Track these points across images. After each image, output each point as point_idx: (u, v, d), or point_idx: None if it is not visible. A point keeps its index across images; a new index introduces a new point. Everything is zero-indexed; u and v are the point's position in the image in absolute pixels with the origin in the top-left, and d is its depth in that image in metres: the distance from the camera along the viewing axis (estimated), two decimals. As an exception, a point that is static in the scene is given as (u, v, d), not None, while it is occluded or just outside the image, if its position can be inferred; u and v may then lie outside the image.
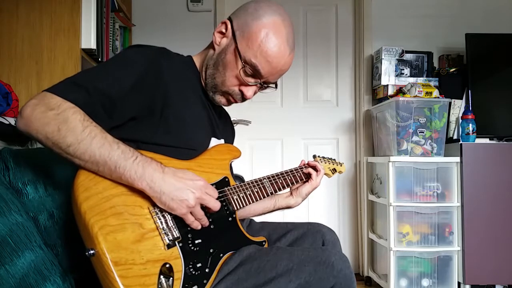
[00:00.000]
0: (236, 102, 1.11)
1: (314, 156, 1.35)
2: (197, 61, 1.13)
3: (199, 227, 0.92)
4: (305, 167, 1.27)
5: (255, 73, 1.04)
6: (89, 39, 1.75)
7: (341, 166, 1.42)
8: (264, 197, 1.13)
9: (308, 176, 1.26)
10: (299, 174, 1.25)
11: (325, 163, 1.36)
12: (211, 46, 1.09)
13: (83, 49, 1.75)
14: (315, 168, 1.26)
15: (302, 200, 1.27)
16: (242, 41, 1.02)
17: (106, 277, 0.77)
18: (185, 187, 0.87)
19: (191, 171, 0.92)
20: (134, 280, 0.79)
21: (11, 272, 0.83)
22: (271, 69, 1.03)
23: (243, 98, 1.09)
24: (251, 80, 1.05)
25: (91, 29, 1.75)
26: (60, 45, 1.72)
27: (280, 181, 1.19)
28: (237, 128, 2.67)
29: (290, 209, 1.29)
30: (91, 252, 0.78)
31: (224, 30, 1.05)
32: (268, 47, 1.00)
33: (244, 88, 1.06)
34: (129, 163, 0.83)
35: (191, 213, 0.89)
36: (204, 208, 0.92)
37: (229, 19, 1.06)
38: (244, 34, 1.02)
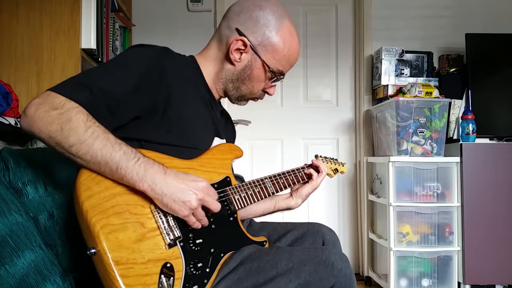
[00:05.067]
0: (258, 100, 1.20)
1: (316, 156, 1.35)
2: (200, 61, 1.12)
3: (200, 227, 0.92)
4: (307, 167, 1.27)
5: (280, 76, 1.12)
6: (89, 39, 1.75)
7: (343, 166, 1.41)
8: (265, 197, 1.13)
9: (309, 177, 1.26)
10: (300, 174, 1.24)
11: (327, 163, 1.35)
12: (227, 60, 1.09)
13: (83, 49, 1.75)
14: (317, 169, 1.26)
15: (302, 201, 1.27)
16: (267, 55, 1.07)
17: (107, 276, 0.78)
18: (187, 188, 0.87)
19: (193, 172, 0.92)
20: (135, 279, 0.79)
21: (11, 272, 0.83)
22: (291, 66, 1.14)
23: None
24: (275, 82, 1.15)
25: (91, 29, 1.75)
26: (60, 45, 1.72)
27: (282, 181, 1.19)
28: (237, 128, 2.67)
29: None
30: (93, 251, 0.78)
31: (242, 47, 1.06)
32: (291, 53, 1.09)
33: (269, 90, 1.16)
34: (131, 165, 0.83)
35: (192, 214, 0.89)
36: (205, 208, 0.92)
37: (240, 33, 1.05)
38: (267, 49, 1.06)
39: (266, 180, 1.15)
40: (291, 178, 1.22)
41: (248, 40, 1.05)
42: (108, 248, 0.78)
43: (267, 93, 1.16)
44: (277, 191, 1.17)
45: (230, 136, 1.27)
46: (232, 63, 1.08)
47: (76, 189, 0.81)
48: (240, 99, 1.16)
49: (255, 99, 1.18)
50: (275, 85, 1.15)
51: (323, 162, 1.33)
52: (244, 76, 1.09)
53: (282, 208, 1.28)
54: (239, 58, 1.07)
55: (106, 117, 0.87)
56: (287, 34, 1.07)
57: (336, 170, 1.38)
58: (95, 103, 0.85)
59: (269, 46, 1.06)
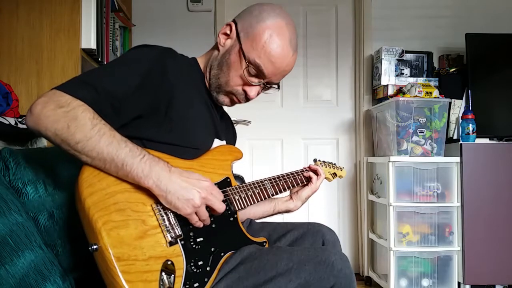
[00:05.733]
0: (239, 102, 1.12)
1: (315, 160, 1.36)
2: (201, 62, 1.14)
3: (202, 226, 0.92)
4: (306, 170, 1.27)
5: (258, 73, 1.05)
6: (89, 39, 1.75)
7: (341, 170, 1.42)
8: (265, 198, 1.13)
9: (309, 180, 1.26)
10: (300, 177, 1.25)
11: (326, 167, 1.36)
12: (215, 47, 1.11)
13: (83, 49, 1.75)
14: (316, 172, 1.27)
15: (302, 204, 1.28)
16: (247, 42, 1.04)
17: (109, 272, 0.78)
18: (191, 186, 0.87)
19: (196, 171, 0.92)
20: (136, 275, 0.80)
21: (11, 272, 0.82)
22: (274, 69, 1.05)
23: (247, 98, 1.10)
24: (254, 80, 1.07)
25: (91, 29, 1.75)
26: (60, 45, 1.72)
27: (281, 183, 1.19)
28: (237, 128, 2.67)
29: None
30: (94, 247, 0.78)
31: (228, 32, 1.07)
32: (271, 47, 1.03)
33: (247, 88, 1.08)
34: (136, 162, 0.83)
35: (196, 213, 0.89)
36: (208, 208, 0.92)
37: (234, 21, 1.08)
38: (248, 35, 1.04)
39: (266, 182, 1.16)
40: (290, 180, 1.22)
41: (236, 26, 1.06)
42: (109, 244, 0.78)
43: (246, 93, 1.08)
44: (276, 193, 1.18)
45: (231, 138, 1.28)
46: (217, 49, 1.09)
47: (78, 186, 0.82)
48: (218, 91, 1.09)
49: (235, 97, 1.10)
50: (255, 85, 1.07)
51: (322, 166, 1.34)
52: (223, 61, 1.07)
53: (282, 211, 1.29)
54: (223, 43, 1.07)
55: (111, 116, 0.88)
56: (274, 29, 1.03)
57: (334, 174, 1.39)
58: (100, 102, 0.86)
59: (251, 33, 1.04)
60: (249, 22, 1.05)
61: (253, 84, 1.07)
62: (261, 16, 1.04)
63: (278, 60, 1.04)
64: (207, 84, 1.12)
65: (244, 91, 1.08)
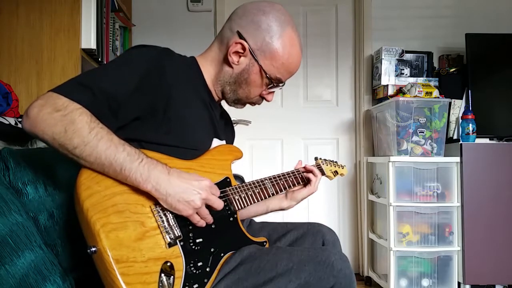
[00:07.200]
0: (254, 105, 1.18)
1: (316, 158, 1.34)
2: (200, 62, 1.12)
3: (204, 225, 0.93)
4: (306, 170, 1.26)
5: (278, 83, 1.11)
6: (89, 39, 1.75)
7: (342, 168, 1.41)
8: (265, 197, 1.13)
9: (309, 180, 1.25)
10: (300, 176, 1.24)
11: (327, 165, 1.35)
12: (225, 62, 1.08)
13: (83, 49, 1.75)
14: (313, 173, 1.26)
15: (296, 204, 1.27)
16: (265, 61, 1.06)
17: (108, 275, 0.78)
18: (191, 188, 0.88)
19: (195, 172, 0.92)
20: (135, 277, 0.80)
21: (11, 272, 0.83)
22: (290, 75, 1.12)
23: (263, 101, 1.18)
24: (273, 89, 1.13)
25: (91, 29, 1.75)
26: (60, 45, 1.72)
27: (282, 182, 1.19)
28: (237, 128, 2.67)
29: (289, 209, 1.29)
30: (93, 249, 0.78)
31: (241, 51, 1.05)
32: (290, 61, 1.07)
33: (267, 96, 1.14)
34: (135, 166, 0.83)
35: (196, 213, 0.90)
36: (208, 206, 0.93)
37: (241, 36, 1.05)
38: (266, 54, 1.05)
39: (266, 181, 1.15)
40: (291, 179, 1.22)
41: (248, 44, 1.04)
42: (108, 246, 0.78)
43: (265, 99, 1.15)
44: (277, 192, 1.17)
45: (230, 137, 1.27)
46: (230, 66, 1.08)
47: (77, 188, 0.82)
48: (236, 102, 1.15)
49: (252, 103, 1.16)
50: (273, 91, 1.14)
51: (323, 164, 1.33)
52: (241, 79, 1.08)
53: (275, 209, 1.28)
54: (237, 61, 1.06)
55: (109, 118, 0.87)
56: (287, 41, 1.05)
57: (336, 173, 1.38)
58: (97, 104, 0.85)
59: (268, 52, 1.04)
60: (262, 38, 1.04)
61: (272, 91, 1.14)
62: (272, 31, 1.04)
63: (295, 68, 1.11)
64: (214, 95, 1.13)
65: (262, 97, 1.14)
